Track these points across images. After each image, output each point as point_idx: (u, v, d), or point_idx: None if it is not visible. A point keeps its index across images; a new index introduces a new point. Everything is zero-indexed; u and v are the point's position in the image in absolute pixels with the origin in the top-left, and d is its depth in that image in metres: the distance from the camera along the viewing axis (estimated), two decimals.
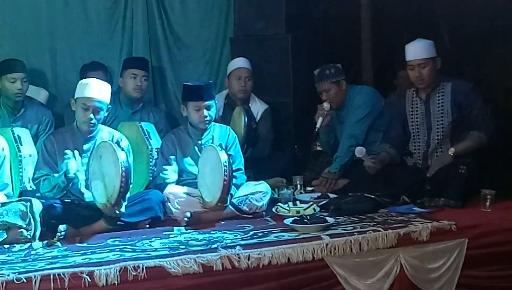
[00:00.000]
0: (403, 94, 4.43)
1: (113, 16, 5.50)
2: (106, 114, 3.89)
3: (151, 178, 4.29)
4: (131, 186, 3.63)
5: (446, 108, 4.20)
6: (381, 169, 4.23)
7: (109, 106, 3.88)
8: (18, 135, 4.28)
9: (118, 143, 3.64)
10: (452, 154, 4.06)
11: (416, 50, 4.20)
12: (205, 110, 4.07)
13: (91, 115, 3.77)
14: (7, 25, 5.22)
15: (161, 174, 4.01)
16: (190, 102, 4.09)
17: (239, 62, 5.14)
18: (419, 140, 4.32)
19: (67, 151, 3.67)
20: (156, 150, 4.33)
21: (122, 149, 3.56)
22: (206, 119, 4.08)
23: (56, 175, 3.75)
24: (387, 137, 4.49)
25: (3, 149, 3.71)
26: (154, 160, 4.31)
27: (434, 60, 4.19)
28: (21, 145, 4.25)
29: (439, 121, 4.23)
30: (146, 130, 4.44)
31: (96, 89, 3.80)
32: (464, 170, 3.96)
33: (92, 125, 3.80)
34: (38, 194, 3.83)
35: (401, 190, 4.08)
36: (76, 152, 3.77)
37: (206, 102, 4.06)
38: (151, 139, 4.39)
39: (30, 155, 4.21)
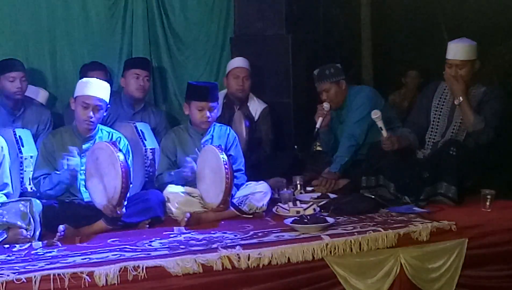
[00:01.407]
0: (435, 86, 4.38)
1: (113, 16, 5.50)
2: (105, 113, 3.89)
3: (147, 178, 4.28)
4: (131, 186, 3.64)
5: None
6: (384, 164, 4.23)
7: (108, 105, 3.89)
8: (19, 136, 4.27)
9: (115, 143, 3.64)
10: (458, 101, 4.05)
11: (458, 50, 4.17)
12: (208, 111, 4.06)
13: (91, 113, 3.77)
14: (7, 25, 5.22)
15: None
16: (193, 102, 4.09)
17: (238, 62, 5.15)
18: (437, 130, 4.29)
19: (71, 148, 3.67)
20: (151, 150, 4.33)
21: (120, 150, 3.55)
22: (208, 120, 4.08)
23: (57, 172, 3.75)
24: (407, 122, 4.51)
25: (2, 148, 3.71)
26: (149, 161, 4.31)
27: (473, 63, 4.16)
28: (22, 146, 4.24)
29: (459, 120, 4.20)
30: (141, 130, 4.44)
31: (96, 88, 3.81)
32: (455, 152, 3.95)
33: (91, 123, 3.80)
34: (38, 194, 3.83)
35: (403, 185, 4.08)
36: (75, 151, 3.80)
37: (210, 103, 4.06)
38: (145, 140, 4.38)
39: (31, 157, 4.20)
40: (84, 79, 3.91)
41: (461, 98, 4.08)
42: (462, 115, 4.13)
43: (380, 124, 4.21)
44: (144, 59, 5.23)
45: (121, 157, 3.49)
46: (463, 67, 4.15)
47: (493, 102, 4.15)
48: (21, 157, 4.19)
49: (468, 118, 4.08)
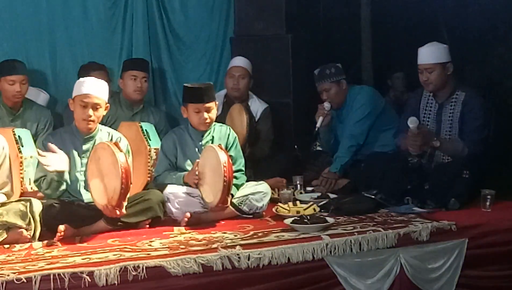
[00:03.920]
0: (420, 92, 4.35)
1: (113, 17, 5.50)
2: (105, 112, 3.88)
3: (149, 178, 4.28)
4: (131, 186, 3.63)
5: (455, 119, 4.16)
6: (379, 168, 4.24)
7: (107, 104, 3.87)
8: (19, 136, 4.25)
9: (117, 143, 3.64)
10: (435, 142, 4.03)
11: (426, 54, 4.17)
12: (205, 112, 4.05)
13: (90, 112, 3.76)
14: (7, 25, 5.21)
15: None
16: (190, 104, 4.08)
17: (235, 61, 5.17)
18: None
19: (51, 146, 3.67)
20: (155, 150, 4.32)
21: (121, 150, 3.55)
22: (206, 121, 4.07)
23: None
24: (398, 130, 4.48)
25: (3, 148, 3.71)
26: (152, 161, 4.30)
27: (444, 66, 4.13)
28: (22, 146, 4.23)
29: (447, 131, 4.19)
30: (146, 130, 4.43)
31: (93, 86, 3.80)
32: (468, 174, 3.94)
33: (91, 122, 3.79)
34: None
35: (401, 190, 4.07)
36: (75, 152, 3.79)
37: (207, 104, 4.05)
38: (150, 140, 4.38)
39: (31, 157, 4.20)
40: (81, 79, 3.90)
41: (437, 143, 4.05)
42: (444, 153, 4.12)
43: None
44: (141, 60, 5.22)
45: (122, 157, 3.49)
46: (433, 71, 4.12)
47: (474, 112, 4.10)
48: (21, 157, 4.17)
49: (450, 153, 4.07)
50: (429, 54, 4.16)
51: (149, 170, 4.30)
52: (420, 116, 4.32)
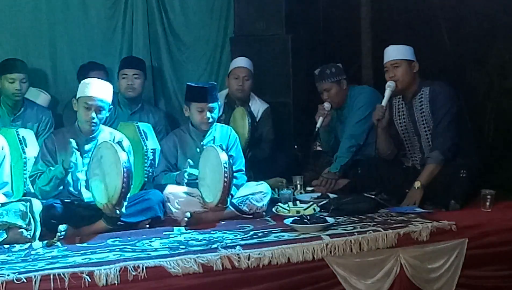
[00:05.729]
0: (390, 102, 4.29)
1: (113, 16, 5.51)
2: (108, 114, 3.88)
3: (145, 178, 4.28)
4: (131, 186, 3.63)
5: (426, 114, 4.12)
6: (377, 169, 4.23)
7: (111, 106, 3.88)
8: (23, 137, 4.26)
9: (119, 143, 3.64)
10: (419, 187, 3.98)
11: (390, 52, 4.16)
12: (208, 112, 4.05)
13: (93, 114, 3.77)
14: (7, 25, 5.23)
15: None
16: (193, 103, 4.08)
17: (238, 62, 5.15)
18: (413, 148, 4.26)
19: (71, 140, 3.67)
20: (152, 151, 4.32)
21: (123, 150, 3.56)
22: (209, 121, 4.07)
23: (53, 168, 3.75)
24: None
25: (2, 147, 3.71)
26: (149, 161, 4.30)
27: (409, 63, 4.12)
28: (26, 146, 4.23)
29: (425, 127, 4.15)
30: (143, 130, 4.42)
31: (98, 88, 3.80)
32: (465, 173, 3.94)
33: (94, 124, 3.80)
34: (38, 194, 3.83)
35: (399, 193, 4.07)
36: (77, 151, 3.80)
37: (210, 104, 4.05)
38: (147, 140, 4.37)
39: (34, 157, 4.20)
40: (86, 80, 3.89)
41: (417, 183, 3.99)
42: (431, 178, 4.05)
43: (387, 94, 4.12)
44: (131, 58, 5.24)
45: (124, 157, 3.49)
46: (399, 66, 4.10)
47: (439, 101, 4.05)
48: (25, 158, 4.17)
49: (436, 172, 4.02)
50: (395, 51, 4.16)
51: (145, 170, 4.30)
52: (396, 124, 4.29)
